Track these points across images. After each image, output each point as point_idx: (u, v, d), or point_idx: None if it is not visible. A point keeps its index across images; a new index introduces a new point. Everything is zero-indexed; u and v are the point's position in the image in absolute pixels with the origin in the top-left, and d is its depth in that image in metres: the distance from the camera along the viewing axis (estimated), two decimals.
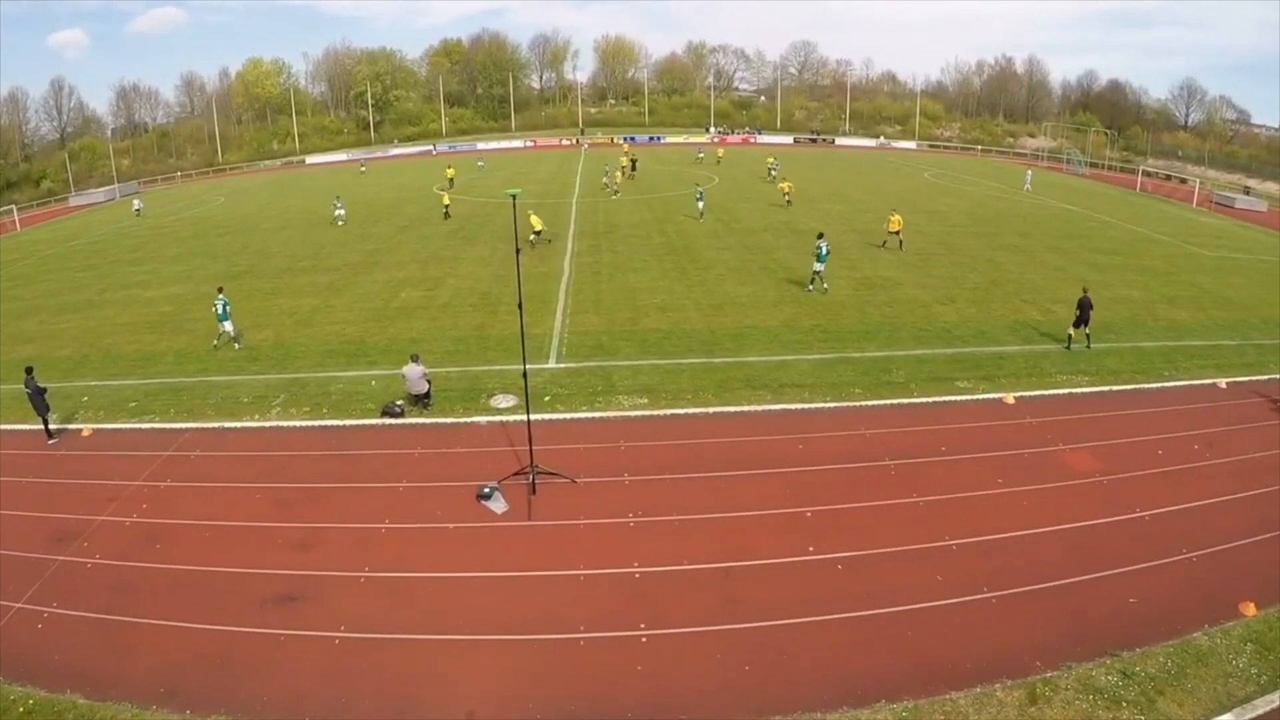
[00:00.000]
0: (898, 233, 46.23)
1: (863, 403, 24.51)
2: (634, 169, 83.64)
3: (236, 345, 31.09)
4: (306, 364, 28.86)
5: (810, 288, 36.30)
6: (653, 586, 15.82)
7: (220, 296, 31.09)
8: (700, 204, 56.65)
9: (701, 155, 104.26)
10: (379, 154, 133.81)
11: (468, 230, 53.79)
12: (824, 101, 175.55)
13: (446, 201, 60.67)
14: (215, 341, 31.13)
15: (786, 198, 63.02)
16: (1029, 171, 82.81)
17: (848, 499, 18.83)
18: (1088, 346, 29.48)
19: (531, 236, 47.40)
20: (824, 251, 35.80)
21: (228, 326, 31.09)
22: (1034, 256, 45.17)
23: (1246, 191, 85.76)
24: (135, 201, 75.65)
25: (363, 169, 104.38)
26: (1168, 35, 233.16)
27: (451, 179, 78.77)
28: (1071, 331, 29.62)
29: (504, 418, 23.68)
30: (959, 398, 25.03)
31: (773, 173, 78.49)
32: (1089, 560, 16.40)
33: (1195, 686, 12.98)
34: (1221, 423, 23.44)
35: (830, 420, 23.31)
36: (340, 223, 59.01)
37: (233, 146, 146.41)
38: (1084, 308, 28.95)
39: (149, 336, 33.08)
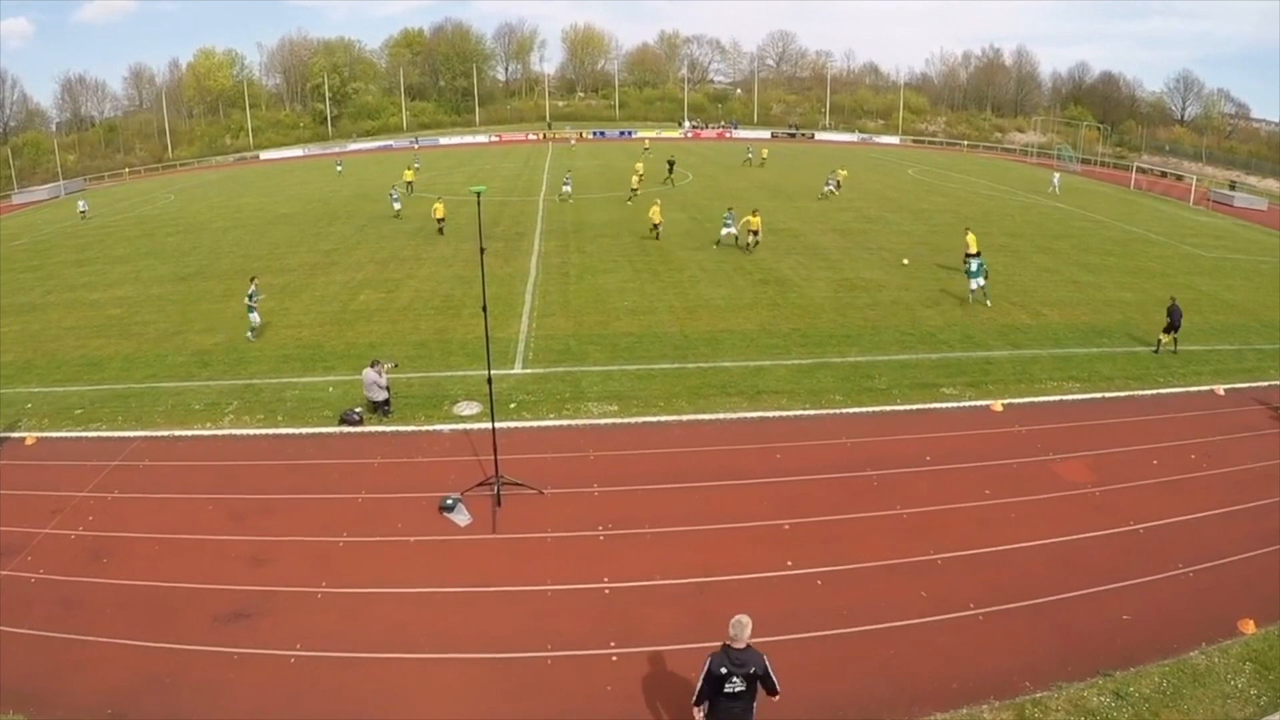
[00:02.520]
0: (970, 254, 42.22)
1: (843, 410, 24.57)
2: (671, 171, 75.67)
3: (250, 335, 31.86)
4: (261, 369, 28.60)
5: (986, 302, 35.61)
6: (623, 603, 15.74)
7: (252, 285, 32.53)
8: (727, 230, 47.12)
9: (750, 156, 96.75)
10: (336, 149, 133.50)
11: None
12: (803, 94, 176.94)
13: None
14: (249, 335, 31.91)
15: (746, 238, 48.35)
16: (1056, 175, 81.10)
17: (827, 511, 18.82)
18: (1174, 351, 30.04)
19: (633, 185, 60.47)
20: (974, 268, 35.69)
21: (254, 318, 31.96)
22: (1023, 257, 45.55)
23: (1232, 187, 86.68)
24: (80, 203, 74.44)
25: (339, 168, 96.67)
26: (1163, 25, 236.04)
27: (410, 183, 71.50)
28: (1162, 337, 30.19)
29: (468, 426, 23.56)
30: (944, 405, 25.13)
31: (829, 189, 68.02)
32: (1080, 575, 16.45)
33: (1192, 708, 13.01)
34: (1219, 431, 23.66)
35: (809, 428, 23.36)
36: (399, 218, 58.02)
37: (183, 141, 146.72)
38: (1174, 315, 29.64)
39: (95, 341, 32.67)
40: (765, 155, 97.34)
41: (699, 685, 11.35)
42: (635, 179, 66.79)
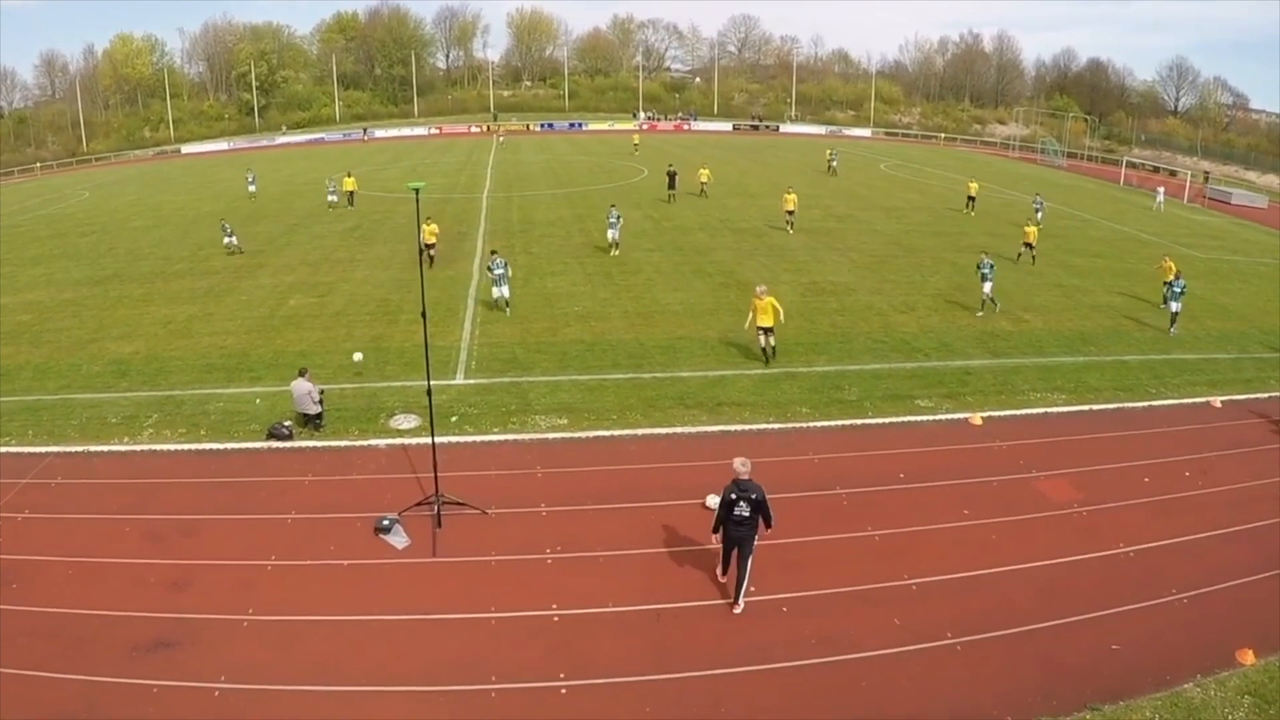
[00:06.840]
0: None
1: (810, 424, 24.72)
2: (672, 185, 64.71)
3: (504, 308, 35.00)
4: (182, 380, 28.33)
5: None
6: (573, 631, 15.67)
7: (496, 258, 35.49)
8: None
9: (834, 162, 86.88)
10: (265, 142, 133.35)
11: (364, 229, 53.29)
12: (767, 84, 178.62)
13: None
14: (494, 297, 34.86)
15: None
16: (1161, 189, 74.30)
17: (793, 532, 18.73)
18: None
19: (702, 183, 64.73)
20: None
21: (504, 291, 35.06)
22: (1004, 259, 45.96)
23: (1205, 179, 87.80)
24: None
25: (252, 187, 73.32)
26: (1155, 9, 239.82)
27: (351, 193, 64.47)
28: None
29: (405, 441, 23.46)
30: (919, 418, 25.35)
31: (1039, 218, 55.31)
32: (1066, 602, 16.57)
33: None
34: (1216, 447, 23.91)
35: (774, 443, 23.44)
36: (239, 253, 47.96)
37: (99, 134, 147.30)
38: None
39: (4, 349, 32.21)
40: (829, 155, 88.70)
41: (717, 513, 15.86)
42: (701, 181, 66.77)
